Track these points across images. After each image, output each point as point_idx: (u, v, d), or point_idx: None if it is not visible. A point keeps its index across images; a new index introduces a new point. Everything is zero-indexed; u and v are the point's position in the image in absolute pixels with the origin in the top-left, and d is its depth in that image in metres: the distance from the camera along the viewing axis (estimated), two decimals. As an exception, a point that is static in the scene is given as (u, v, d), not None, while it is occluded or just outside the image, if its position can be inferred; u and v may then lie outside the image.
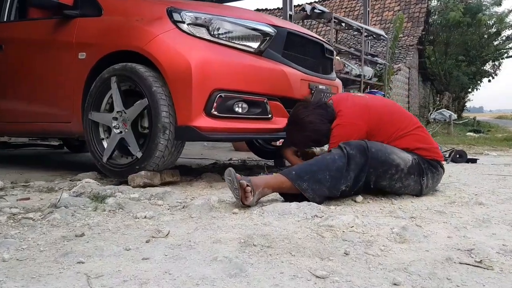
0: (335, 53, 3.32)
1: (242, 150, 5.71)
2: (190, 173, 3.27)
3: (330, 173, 1.94)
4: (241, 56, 2.48)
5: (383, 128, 2.20)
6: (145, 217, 1.72)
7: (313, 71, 2.89)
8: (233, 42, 2.49)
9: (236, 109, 2.44)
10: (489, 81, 24.78)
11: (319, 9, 6.75)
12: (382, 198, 2.18)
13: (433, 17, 19.77)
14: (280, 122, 2.54)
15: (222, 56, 2.42)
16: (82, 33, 2.81)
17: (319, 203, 1.93)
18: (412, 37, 16.19)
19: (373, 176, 2.05)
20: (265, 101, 2.50)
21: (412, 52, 15.93)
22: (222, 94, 2.37)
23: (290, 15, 5.61)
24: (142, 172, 2.45)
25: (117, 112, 2.62)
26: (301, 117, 2.28)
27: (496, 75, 24.71)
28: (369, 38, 8.60)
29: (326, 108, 2.28)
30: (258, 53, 2.55)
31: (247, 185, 1.83)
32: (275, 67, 2.56)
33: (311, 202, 1.89)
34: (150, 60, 2.46)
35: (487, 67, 24.08)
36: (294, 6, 6.19)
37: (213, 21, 2.47)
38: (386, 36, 8.54)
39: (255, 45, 2.55)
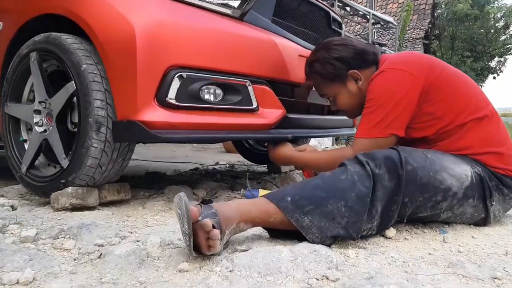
0: (344, 27, 2.53)
1: (234, 152, 4.94)
2: (156, 184, 2.50)
3: (347, 202, 1.17)
4: (213, 20, 1.70)
5: (450, 97, 1.45)
6: (16, 282, 0.95)
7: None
8: (202, 1, 1.71)
9: (205, 96, 1.66)
10: (494, 78, 23.98)
11: (321, -9, 5.97)
12: (425, 230, 1.41)
13: (438, 10, 19.00)
14: (270, 115, 1.76)
15: (184, 19, 1.64)
16: (0, -5, 2.04)
17: (329, 245, 1.16)
18: (418, 29, 15.39)
19: (409, 209, 1.29)
20: (247, 84, 1.72)
21: (419, 46, 15.14)
22: (184, 74, 1.60)
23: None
24: (69, 189, 1.68)
25: (40, 102, 1.85)
26: (332, 42, 1.65)
27: (501, 71, 23.91)
28: (376, 26, 7.82)
29: (368, 52, 1.63)
30: (238, 16, 1.78)
31: (213, 227, 1.06)
32: (262, 36, 1.79)
33: (315, 245, 1.13)
34: (81, 26, 1.68)
35: (493, 63, 23.30)
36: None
37: (171, -31, 1.69)
38: (396, 24, 7.76)
39: (234, 3, 1.78)
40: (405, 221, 1.35)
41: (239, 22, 1.76)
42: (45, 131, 1.84)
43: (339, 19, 2.42)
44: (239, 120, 1.70)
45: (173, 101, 1.59)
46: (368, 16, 6.81)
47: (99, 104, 1.63)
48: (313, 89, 1.95)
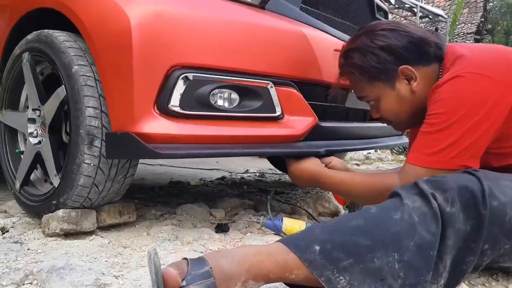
0: (390, 16, 2.15)
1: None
2: (175, 198, 2.24)
3: (403, 256, 0.82)
4: (227, 8, 1.40)
5: None
6: None
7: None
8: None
9: (217, 101, 1.36)
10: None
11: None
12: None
13: (491, 3, 17.86)
14: (297, 124, 1.44)
15: (191, 8, 1.34)
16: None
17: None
18: (469, 24, 14.45)
19: (488, 257, 0.92)
20: (269, 86, 1.40)
21: (471, 41, 14.20)
22: (190, 75, 1.30)
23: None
24: (60, 212, 1.43)
25: (33, 110, 1.62)
26: (378, 26, 1.27)
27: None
28: (424, 20, 7.26)
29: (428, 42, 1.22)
30: (258, 3, 1.46)
31: None
32: (288, 27, 1.46)
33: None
34: (70, 19, 1.43)
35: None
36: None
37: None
38: (446, 17, 7.17)
39: (254, -10, 1.46)
40: (479, 270, 0.98)
41: (260, 11, 1.44)
42: (39, 142, 1.60)
43: (384, 7, 2.05)
44: (259, 131, 1.38)
45: (177, 109, 1.30)
46: (415, 9, 6.29)
47: (91, 113, 1.37)
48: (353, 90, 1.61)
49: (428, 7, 6.91)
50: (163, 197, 2.34)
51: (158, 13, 1.30)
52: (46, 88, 1.57)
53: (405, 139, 2.09)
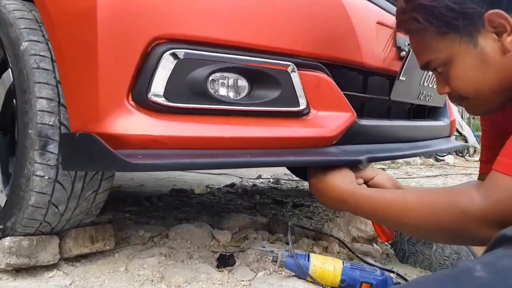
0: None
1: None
2: (173, 211, 1.86)
3: None
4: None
5: None
6: None
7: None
8: None
9: (218, 90, 0.97)
10: None
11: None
12: None
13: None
14: (329, 121, 1.03)
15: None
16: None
17: None
18: None
19: None
20: (289, 69, 1.00)
21: None
22: (180, 52, 0.91)
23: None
24: (6, 241, 1.05)
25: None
26: None
27: None
28: None
29: None
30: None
31: None
32: None
33: None
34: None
35: None
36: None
37: None
38: None
39: None
40: None
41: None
42: (-12, 146, 1.23)
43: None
44: (276, 132, 0.99)
45: (161, 100, 0.91)
46: None
47: (44, 106, 0.99)
48: (401, 77, 1.20)
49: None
50: (160, 210, 1.97)
51: (134, -35, 0.91)
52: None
53: (455, 143, 1.68)
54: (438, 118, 1.60)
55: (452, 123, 1.70)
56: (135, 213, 1.86)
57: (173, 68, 0.92)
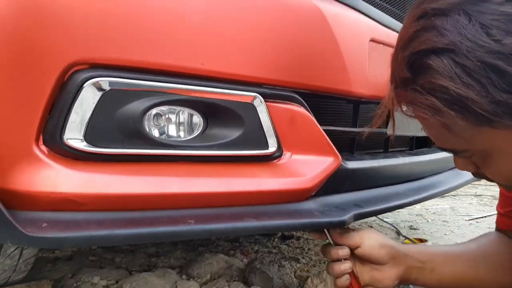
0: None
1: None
2: (144, 249, 1.64)
3: None
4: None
5: None
6: None
7: (399, 20, 1.13)
8: None
9: (162, 128, 0.76)
10: None
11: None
12: None
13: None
14: (306, 168, 0.81)
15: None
16: None
17: None
18: None
19: None
20: (254, 101, 0.78)
21: None
22: (106, 80, 0.70)
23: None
24: None
25: None
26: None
27: None
28: None
29: None
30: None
31: None
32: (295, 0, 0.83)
33: None
34: None
35: None
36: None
37: None
38: None
39: None
40: None
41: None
42: None
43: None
44: (238, 184, 0.76)
45: (81, 144, 0.69)
46: None
47: None
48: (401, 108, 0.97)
49: None
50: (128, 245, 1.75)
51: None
52: None
53: (466, 175, 1.44)
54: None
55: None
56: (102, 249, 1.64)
57: (98, 102, 0.70)
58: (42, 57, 0.68)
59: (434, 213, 2.48)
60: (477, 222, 2.23)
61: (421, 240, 1.68)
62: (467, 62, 0.54)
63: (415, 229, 1.99)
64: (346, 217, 0.78)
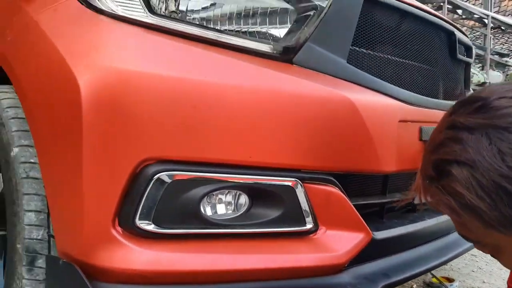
0: (474, 49, 1.58)
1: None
2: None
3: None
4: (231, 67, 0.90)
5: None
6: None
7: (428, 95, 1.22)
8: (212, 31, 0.92)
9: (214, 209, 0.89)
10: None
11: (425, -9, 4.80)
12: None
13: None
14: (339, 243, 0.92)
15: (177, 70, 0.86)
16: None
17: None
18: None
19: None
20: (294, 184, 0.90)
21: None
22: (171, 173, 0.83)
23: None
24: None
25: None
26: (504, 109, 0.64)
27: None
28: (496, 31, 6.41)
29: None
30: (283, 54, 0.95)
31: None
32: (329, 93, 0.93)
33: None
34: (8, 75, 1.02)
35: None
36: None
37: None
38: (522, 27, 6.29)
39: (276, 33, 0.96)
40: None
41: (284, 67, 0.94)
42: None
43: (467, 41, 1.48)
44: (280, 261, 0.88)
45: (150, 226, 0.84)
46: (485, 20, 5.50)
47: (33, 220, 0.93)
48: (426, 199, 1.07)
49: (501, 17, 6.08)
50: None
51: (125, 78, 0.83)
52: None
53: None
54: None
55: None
56: None
57: (163, 191, 0.84)
58: (120, 154, 0.82)
59: (465, 244, 2.49)
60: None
61: (448, 279, 1.74)
62: (482, 179, 0.64)
63: (444, 263, 2.05)
64: (377, 286, 0.89)
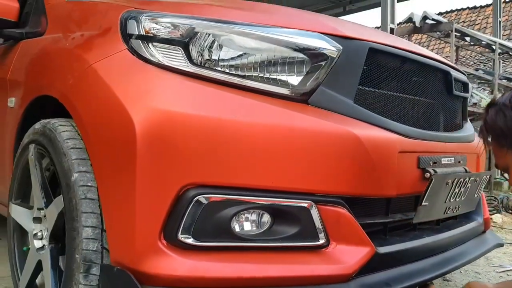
0: (470, 86, 1.75)
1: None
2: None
3: None
4: (256, 108, 1.09)
5: None
6: None
7: (426, 128, 1.39)
8: (241, 78, 1.12)
9: (242, 226, 1.06)
10: None
11: (433, 19, 4.99)
12: None
13: None
14: (347, 256, 1.08)
15: (211, 111, 1.06)
16: (19, 63, 1.68)
17: None
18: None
19: None
20: (309, 206, 1.07)
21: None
22: (208, 196, 1.02)
23: (392, 29, 4.08)
24: None
25: (38, 209, 1.41)
26: None
27: None
28: (503, 56, 6.57)
29: None
30: (300, 98, 1.15)
31: None
32: (338, 130, 1.11)
33: None
34: (70, 112, 1.22)
35: None
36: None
37: (202, 32, 1.14)
38: (530, 53, 6.44)
39: (293, 80, 1.15)
40: None
41: (300, 107, 1.13)
42: (43, 247, 1.38)
43: (463, 77, 1.65)
44: (296, 270, 1.05)
45: (189, 240, 1.01)
46: (493, 46, 5.66)
47: (89, 234, 1.11)
48: (423, 203, 1.23)
49: (508, 43, 6.24)
50: None
51: (170, 118, 1.03)
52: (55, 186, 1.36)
53: (489, 242, 1.65)
54: (470, 219, 1.60)
55: (486, 220, 1.68)
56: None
57: (201, 210, 1.02)
58: (166, 180, 1.01)
59: (469, 262, 2.59)
60: (507, 274, 2.35)
61: (452, 296, 1.87)
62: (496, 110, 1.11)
63: (447, 280, 2.16)
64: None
